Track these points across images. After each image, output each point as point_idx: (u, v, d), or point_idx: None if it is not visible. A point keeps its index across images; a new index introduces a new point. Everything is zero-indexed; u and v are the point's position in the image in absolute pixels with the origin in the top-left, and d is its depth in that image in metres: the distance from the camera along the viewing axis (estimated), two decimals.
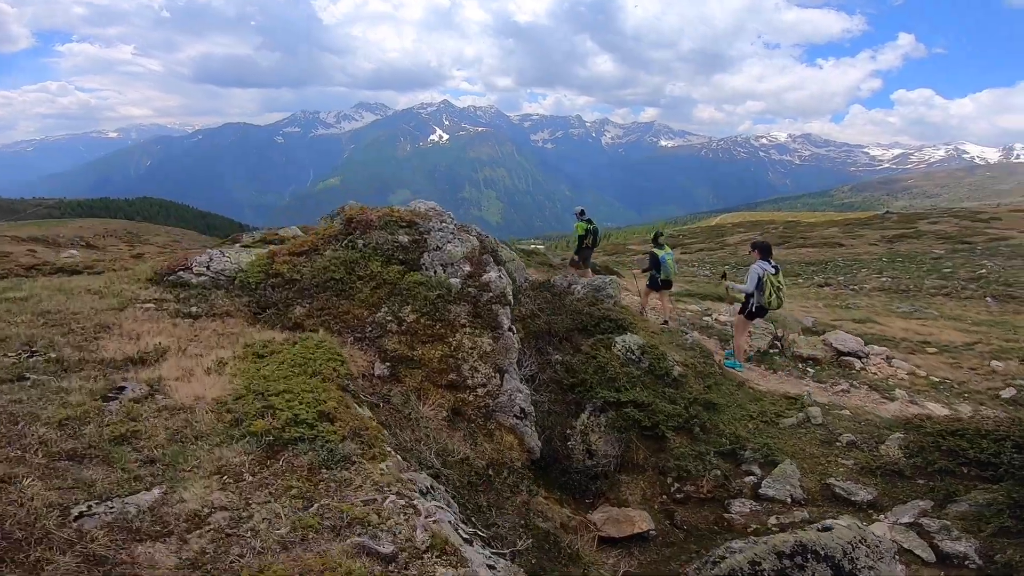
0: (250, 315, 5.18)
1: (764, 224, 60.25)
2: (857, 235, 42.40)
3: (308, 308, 5.11)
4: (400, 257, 5.85)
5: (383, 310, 5.15)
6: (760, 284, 7.12)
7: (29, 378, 3.39)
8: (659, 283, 10.22)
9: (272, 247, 6.40)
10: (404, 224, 6.25)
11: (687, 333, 8.61)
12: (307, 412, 2.84)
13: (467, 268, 5.85)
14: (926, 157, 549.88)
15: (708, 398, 6.48)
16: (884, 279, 29.04)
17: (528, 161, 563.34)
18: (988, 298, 23.04)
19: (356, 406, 3.70)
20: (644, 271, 10.45)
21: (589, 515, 5.61)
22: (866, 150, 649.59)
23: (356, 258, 5.67)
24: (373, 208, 6.75)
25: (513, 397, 5.24)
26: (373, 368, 4.81)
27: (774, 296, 7.19)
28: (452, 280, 5.58)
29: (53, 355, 3.78)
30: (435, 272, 5.83)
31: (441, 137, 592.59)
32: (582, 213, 12.44)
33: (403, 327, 5.06)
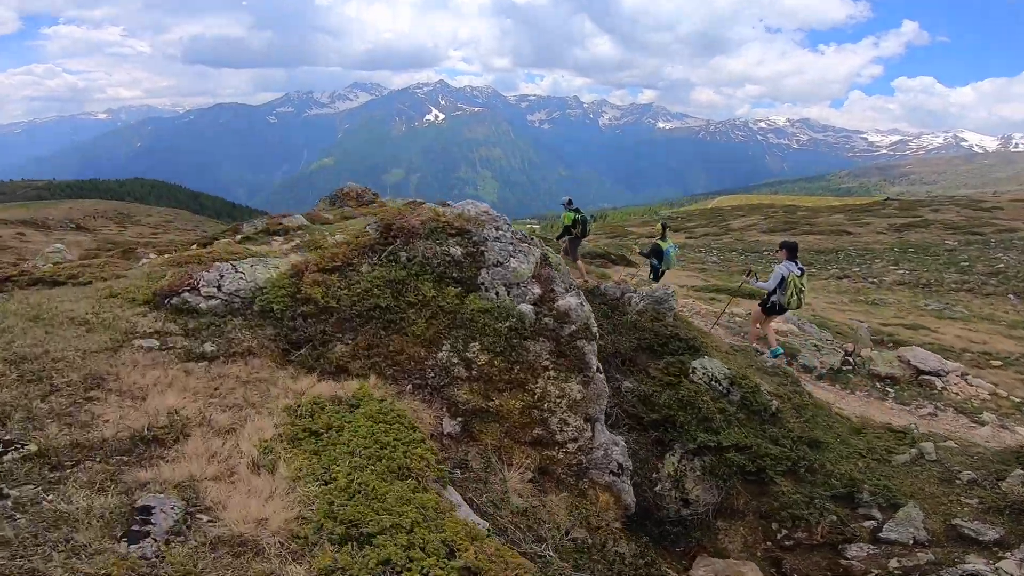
0: (278, 353, 4.13)
1: (764, 208, 58.93)
2: (863, 223, 41.55)
3: (352, 346, 4.06)
4: (454, 275, 4.79)
5: (445, 348, 4.12)
6: (784, 284, 7.20)
7: (9, 495, 2.35)
8: (660, 273, 10.58)
9: (294, 260, 5.31)
10: (454, 232, 5.17)
11: (761, 352, 7.62)
12: (442, 570, 1.83)
13: (537, 290, 4.80)
14: (924, 144, 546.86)
15: (813, 436, 5.56)
16: (902, 271, 28.33)
17: (524, 141, 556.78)
18: (1011, 295, 22.38)
19: (446, 492, 2.71)
20: (644, 256, 10.80)
21: (691, 572, 4.75)
22: (864, 136, 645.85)
23: (402, 277, 4.60)
24: (413, 209, 5.66)
25: (609, 452, 4.28)
26: (441, 424, 3.81)
27: (795, 297, 7.22)
28: (523, 307, 4.53)
29: (34, 447, 2.72)
30: (497, 294, 4.78)
31: (437, 117, 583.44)
32: (570, 203, 12.07)
33: (473, 371, 4.03)
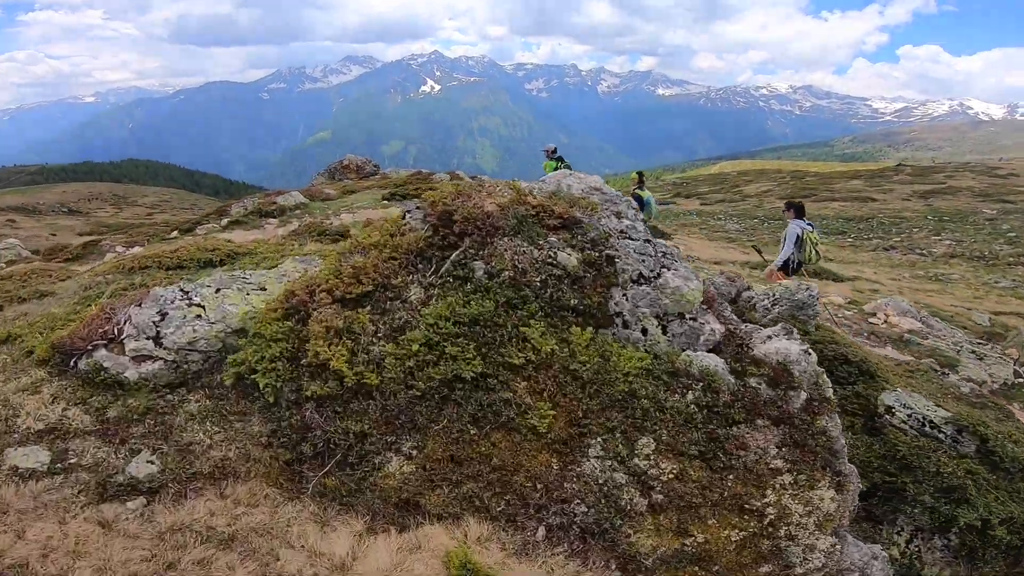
0: (278, 470, 2.13)
1: (771, 173, 56.19)
2: (886, 189, 39.65)
3: (420, 459, 2.05)
4: (571, 302, 2.75)
5: (594, 451, 2.10)
6: (800, 242, 7.31)
7: None
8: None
9: (291, 271, 3.25)
10: (556, 224, 3.09)
11: (945, 372, 5.59)
12: None
13: (716, 326, 2.75)
14: (930, 111, 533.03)
15: None
16: (948, 242, 26.81)
17: (522, 109, 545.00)
18: None
19: None
20: None
21: None
22: (869, 102, 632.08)
23: (487, 312, 2.54)
24: (480, 186, 3.53)
25: (868, 571, 2.37)
26: None
27: (813, 251, 7.43)
28: (704, 360, 2.47)
29: None
30: (645, 332, 2.75)
31: (433, 88, 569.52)
32: (554, 151, 10.00)
33: (655, 493, 2.04)
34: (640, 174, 9.99)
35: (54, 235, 42.39)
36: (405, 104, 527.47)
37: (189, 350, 2.56)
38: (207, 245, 6.24)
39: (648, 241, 3.17)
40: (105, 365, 2.48)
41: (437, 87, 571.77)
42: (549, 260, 2.87)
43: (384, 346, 2.39)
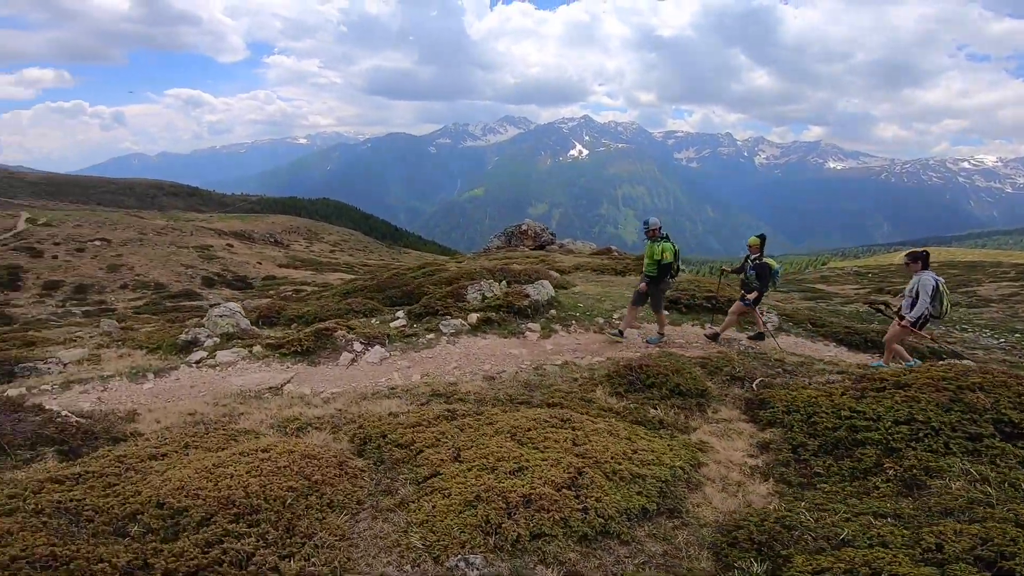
0: None
1: (987, 265, 41.52)
2: None
3: None
4: None
5: None
6: (937, 295, 7.08)
7: None
8: (759, 299, 8.86)
9: None
10: None
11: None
12: None
13: None
14: None
15: None
16: None
17: (671, 180, 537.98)
18: None
19: None
20: (736, 273, 9.31)
21: None
22: None
23: None
24: None
25: None
26: None
27: (948, 305, 7.27)
28: None
29: None
30: None
31: (581, 152, 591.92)
32: (659, 229, 8.41)
33: None
34: (762, 237, 8.64)
35: (260, 263, 50.61)
36: (554, 167, 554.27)
37: None
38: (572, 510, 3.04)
39: None
40: None
41: (585, 151, 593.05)
42: None
43: None
